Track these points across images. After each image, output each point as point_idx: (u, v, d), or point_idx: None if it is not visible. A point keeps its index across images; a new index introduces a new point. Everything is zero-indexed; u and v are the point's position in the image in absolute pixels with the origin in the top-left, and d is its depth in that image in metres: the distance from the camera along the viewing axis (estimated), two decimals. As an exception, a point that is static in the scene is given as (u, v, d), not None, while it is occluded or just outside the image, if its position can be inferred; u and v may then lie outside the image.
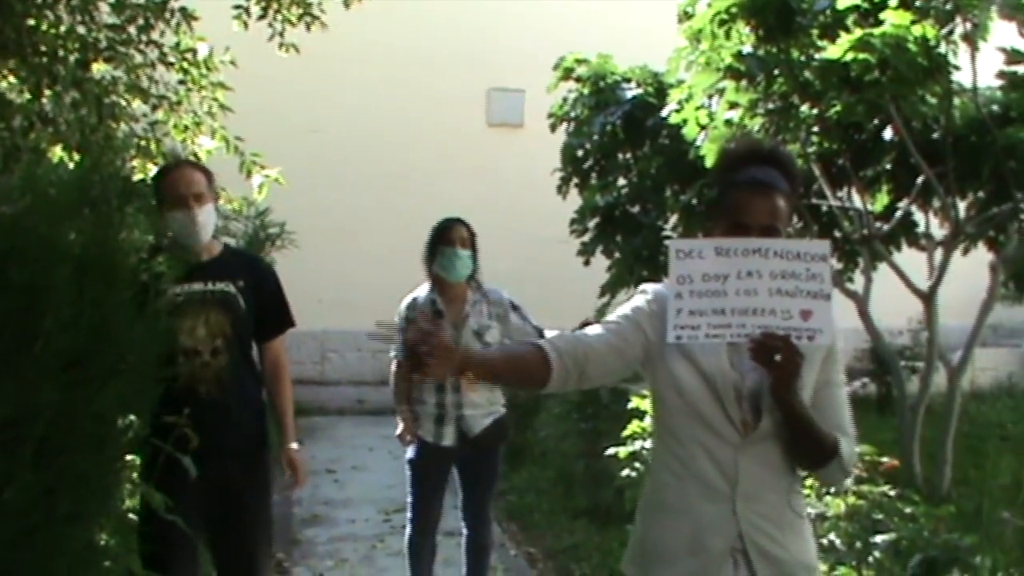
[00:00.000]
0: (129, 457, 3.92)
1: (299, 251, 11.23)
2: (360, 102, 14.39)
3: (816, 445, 2.90)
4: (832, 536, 5.30)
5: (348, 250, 14.04)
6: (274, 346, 4.62)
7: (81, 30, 6.29)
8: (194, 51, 6.97)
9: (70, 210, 3.05)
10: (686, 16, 7.80)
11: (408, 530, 5.76)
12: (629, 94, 10.07)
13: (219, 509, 4.33)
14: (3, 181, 3.69)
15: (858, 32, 6.72)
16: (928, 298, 8.64)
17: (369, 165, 14.40)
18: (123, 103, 6.48)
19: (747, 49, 7.31)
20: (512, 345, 2.84)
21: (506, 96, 15.28)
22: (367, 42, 13.66)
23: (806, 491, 3.56)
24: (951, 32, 7.18)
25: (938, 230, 9.14)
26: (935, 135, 8.30)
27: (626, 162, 10.31)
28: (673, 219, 9.85)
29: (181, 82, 7.01)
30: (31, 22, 5.98)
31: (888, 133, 8.24)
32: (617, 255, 10.18)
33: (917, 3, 6.95)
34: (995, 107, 8.28)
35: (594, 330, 2.99)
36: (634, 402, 6.96)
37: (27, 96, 5.88)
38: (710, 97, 7.68)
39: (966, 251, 9.32)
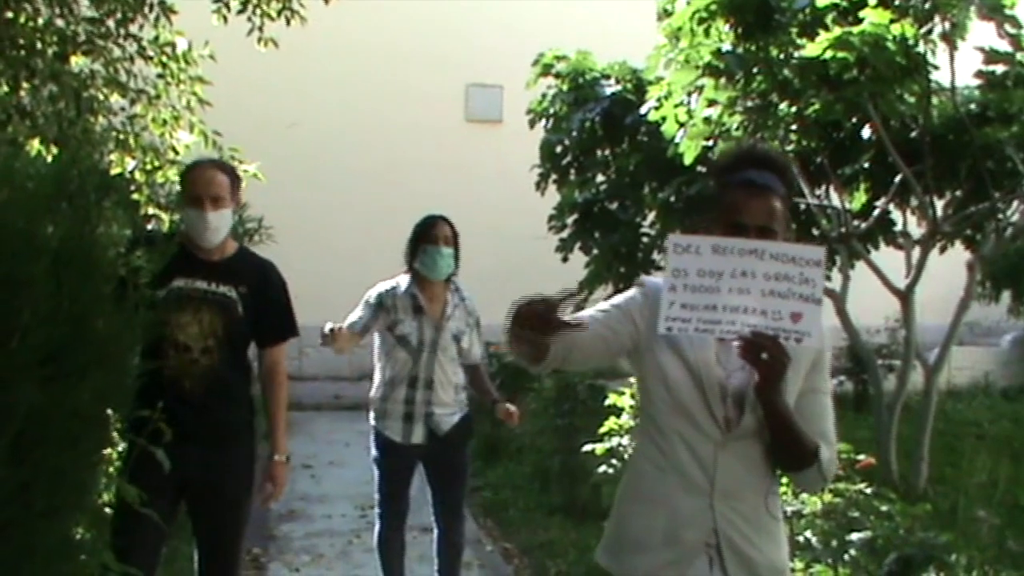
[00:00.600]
0: (106, 451, 3.91)
1: (277, 246, 11.14)
2: (339, 97, 14.39)
3: (797, 448, 2.92)
4: (808, 534, 5.32)
5: (326, 245, 14.04)
6: (273, 353, 4.59)
7: (59, 23, 6.26)
8: (173, 45, 6.94)
9: (48, 204, 3.03)
10: (665, 13, 7.81)
11: (377, 526, 5.73)
12: (608, 91, 10.09)
13: (198, 501, 4.34)
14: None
15: (837, 30, 6.75)
16: (905, 296, 8.68)
17: (348, 160, 14.40)
18: (101, 97, 6.45)
19: (726, 47, 7.34)
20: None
21: (485, 92, 15.31)
22: (346, 38, 13.66)
23: (782, 489, 3.56)
24: (930, 31, 7.22)
25: (915, 229, 9.19)
26: (913, 134, 8.34)
27: (604, 159, 10.32)
28: (651, 216, 9.86)
29: (160, 76, 6.98)
30: (9, 15, 5.94)
31: (866, 132, 8.26)
32: (595, 251, 10.20)
33: (896, 2, 6.99)
34: (973, 106, 8.33)
35: (585, 315, 3.01)
36: (611, 399, 6.98)
37: (5, 89, 5.84)
38: (689, 94, 7.70)
39: (943, 250, 9.36)
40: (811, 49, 6.86)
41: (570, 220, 10.40)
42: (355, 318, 5.59)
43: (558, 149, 10.55)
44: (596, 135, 10.08)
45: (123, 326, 3.25)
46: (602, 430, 6.93)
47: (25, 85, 5.88)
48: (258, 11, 7.13)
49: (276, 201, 11.05)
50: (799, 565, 5.09)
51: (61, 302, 2.90)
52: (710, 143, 7.80)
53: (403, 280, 5.60)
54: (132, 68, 6.73)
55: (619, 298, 3.09)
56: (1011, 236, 8.81)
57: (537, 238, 11.11)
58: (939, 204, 8.68)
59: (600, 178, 10.37)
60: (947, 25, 7.14)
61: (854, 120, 8.09)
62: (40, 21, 6.15)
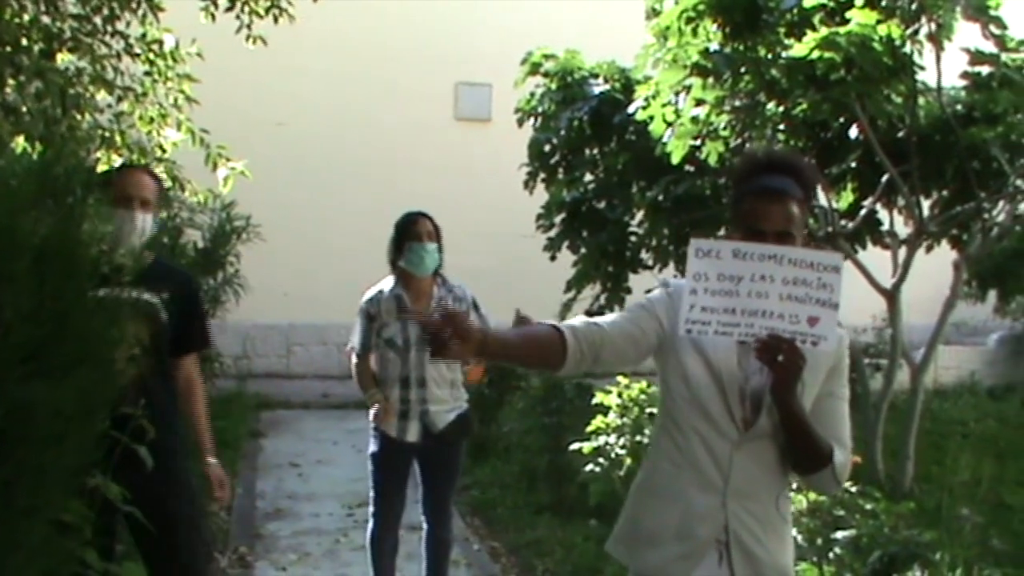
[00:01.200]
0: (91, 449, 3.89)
1: (265, 244, 11.20)
2: (327, 95, 14.38)
3: (811, 450, 2.99)
4: (793, 532, 5.32)
5: (314, 244, 14.03)
6: (187, 363, 4.55)
7: (45, 20, 6.25)
8: (160, 42, 6.95)
9: (31, 201, 3.03)
10: (654, 13, 7.81)
11: (371, 524, 5.74)
12: (596, 90, 10.08)
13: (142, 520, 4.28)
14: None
15: (824, 31, 6.77)
16: (892, 296, 8.70)
17: (336, 159, 14.40)
18: (88, 94, 6.44)
19: (714, 46, 7.35)
20: (529, 326, 2.90)
21: (473, 90, 15.30)
22: (334, 36, 13.65)
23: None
24: (916, 32, 7.23)
25: (902, 228, 9.21)
26: (900, 134, 8.36)
27: (593, 158, 10.32)
28: (639, 215, 9.87)
29: (147, 73, 6.98)
30: (-6, 11, 5.94)
31: (853, 131, 8.27)
32: (583, 250, 10.20)
33: (883, 3, 7.00)
34: (959, 107, 8.37)
35: (610, 318, 3.08)
36: (598, 397, 6.99)
37: (-10, 86, 5.84)
38: (677, 94, 7.71)
39: (929, 249, 9.39)
40: (798, 49, 6.87)
41: (558, 219, 10.38)
42: (357, 336, 5.68)
43: (546, 148, 10.53)
44: (584, 134, 10.07)
45: (107, 323, 3.24)
46: (589, 429, 6.94)
47: (10, 82, 5.86)
48: (246, 8, 7.14)
49: (264, 199, 11.06)
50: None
51: (44, 300, 2.90)
52: (697, 142, 7.82)
53: (387, 283, 5.60)
54: (119, 65, 6.73)
55: (645, 298, 3.16)
56: (997, 236, 8.84)
57: (525, 236, 11.11)
58: (925, 204, 8.71)
59: (588, 177, 10.36)
60: (933, 26, 7.16)
61: (841, 120, 8.10)
62: (26, 18, 6.14)
